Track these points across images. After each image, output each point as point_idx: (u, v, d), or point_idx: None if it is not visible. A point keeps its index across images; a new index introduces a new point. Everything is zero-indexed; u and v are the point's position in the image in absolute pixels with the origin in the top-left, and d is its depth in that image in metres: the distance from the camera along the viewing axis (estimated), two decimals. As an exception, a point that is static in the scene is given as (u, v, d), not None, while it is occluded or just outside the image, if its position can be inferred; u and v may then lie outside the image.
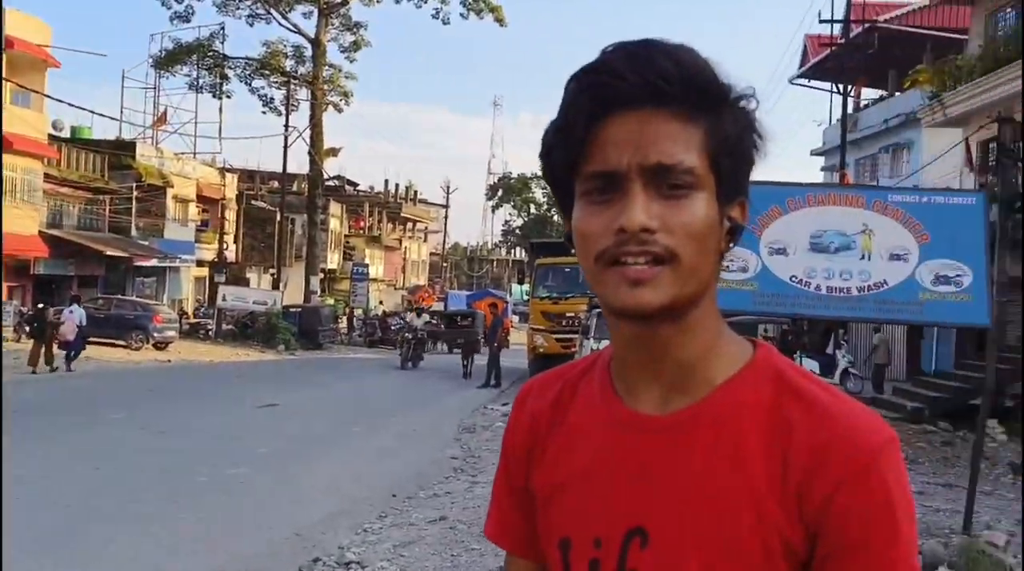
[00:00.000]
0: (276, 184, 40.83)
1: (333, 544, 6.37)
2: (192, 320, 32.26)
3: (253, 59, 37.12)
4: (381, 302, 41.52)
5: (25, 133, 25.07)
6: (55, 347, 18.09)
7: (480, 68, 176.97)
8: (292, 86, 35.89)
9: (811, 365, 19.76)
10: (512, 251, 74.09)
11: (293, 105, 35.81)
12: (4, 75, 19.67)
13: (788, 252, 7.33)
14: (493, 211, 74.10)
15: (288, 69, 36.93)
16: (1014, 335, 14.81)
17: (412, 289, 51.68)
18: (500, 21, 35.21)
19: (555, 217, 68.00)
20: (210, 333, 29.69)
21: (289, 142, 34.60)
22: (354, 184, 50.97)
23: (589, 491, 0.94)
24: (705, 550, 0.86)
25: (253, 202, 39.82)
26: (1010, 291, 13.74)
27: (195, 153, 36.84)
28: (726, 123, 0.87)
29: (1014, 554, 6.25)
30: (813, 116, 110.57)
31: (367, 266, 42.62)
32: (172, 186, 33.24)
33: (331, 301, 38.72)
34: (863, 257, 7.08)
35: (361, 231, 48.14)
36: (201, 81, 36.90)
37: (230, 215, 36.91)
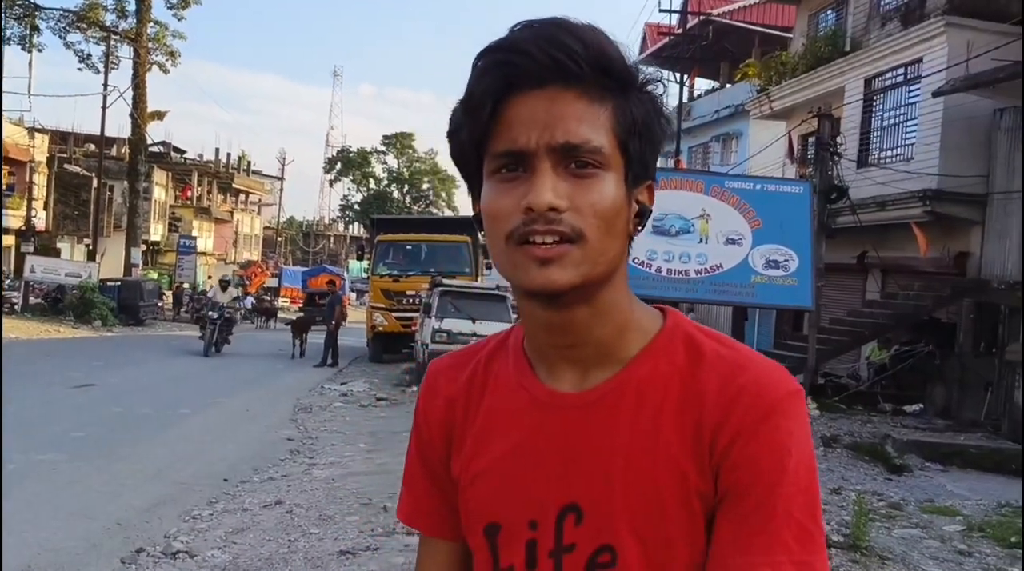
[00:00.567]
0: (93, 147, 38.02)
1: (159, 533, 5.97)
2: (-6, 292, 29.60)
3: (69, 11, 34.26)
4: (209, 277, 39.62)
5: None
6: None
7: (319, 35, 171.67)
8: (112, 42, 33.41)
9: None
10: (350, 227, 72.71)
11: (113, 63, 33.32)
12: None
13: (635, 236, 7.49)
14: (331, 185, 72.37)
15: (108, 24, 34.33)
16: (828, 317, 15.93)
17: (244, 264, 49.68)
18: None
19: (395, 193, 67.35)
20: (15, 307, 27.32)
21: (108, 102, 32.25)
22: (181, 151, 48.28)
23: (516, 474, 0.94)
24: (635, 519, 0.89)
25: (66, 166, 36.88)
26: (822, 276, 14.71)
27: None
28: (633, 105, 0.87)
29: (827, 522, 6.66)
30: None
31: (195, 239, 40.53)
32: (-29, 145, 30.25)
33: (154, 275, 36.58)
34: (701, 240, 7.36)
35: (189, 201, 45.68)
36: (8, 32, 33.70)
37: (40, 179, 34.02)
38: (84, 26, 34.33)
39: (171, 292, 35.50)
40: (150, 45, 33.95)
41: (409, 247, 20.77)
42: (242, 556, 5.56)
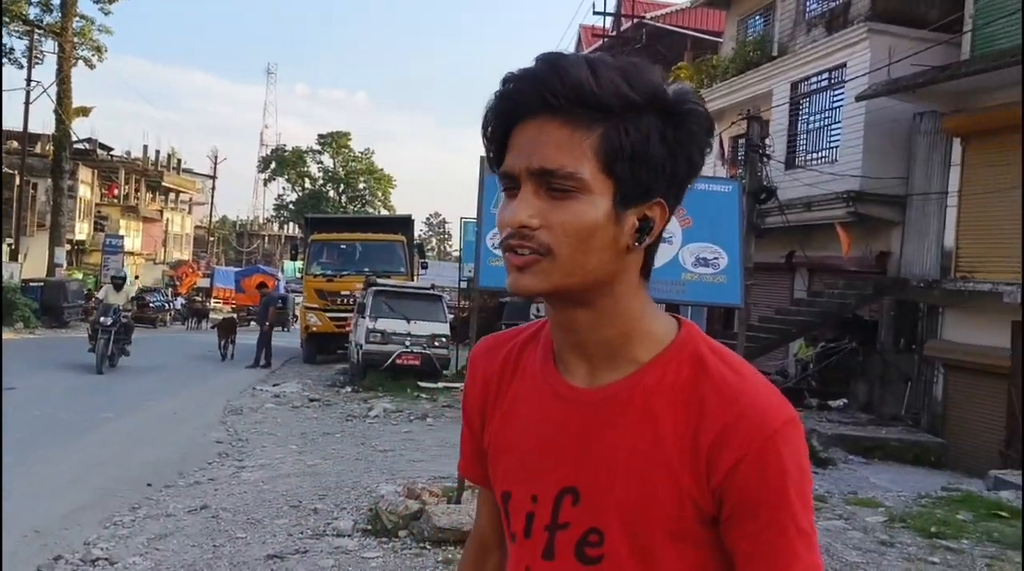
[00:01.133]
0: (16, 144, 36.69)
1: (78, 540, 5.79)
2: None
3: (-11, 3, 33.00)
4: (137, 277, 38.56)
5: None
6: None
7: (253, 32, 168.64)
8: (36, 37, 32.31)
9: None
10: (285, 226, 71.60)
11: (37, 58, 32.23)
12: None
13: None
14: (265, 184, 71.14)
15: (32, 17, 33.17)
16: (757, 315, 16.24)
17: (174, 264, 48.53)
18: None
19: (330, 192, 66.54)
20: (-69, 309, 26.19)
21: (31, 98, 31.17)
22: (108, 148, 46.90)
23: (528, 453, 1.07)
24: (626, 510, 0.99)
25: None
26: (751, 275, 14.98)
27: (-87, 104, 32.23)
28: (629, 131, 0.94)
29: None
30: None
31: (122, 238, 39.39)
32: None
33: (79, 275, 35.45)
34: (632, 239, 7.43)
35: (116, 200, 44.42)
36: (-78, 23, 32.32)
37: (-42, 177, 32.69)
38: (7, 19, 33.12)
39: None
40: (75, 40, 32.92)
41: (343, 247, 20.54)
42: (164, 563, 5.42)
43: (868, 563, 6.02)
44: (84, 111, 34.41)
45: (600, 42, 27.26)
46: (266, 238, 72.23)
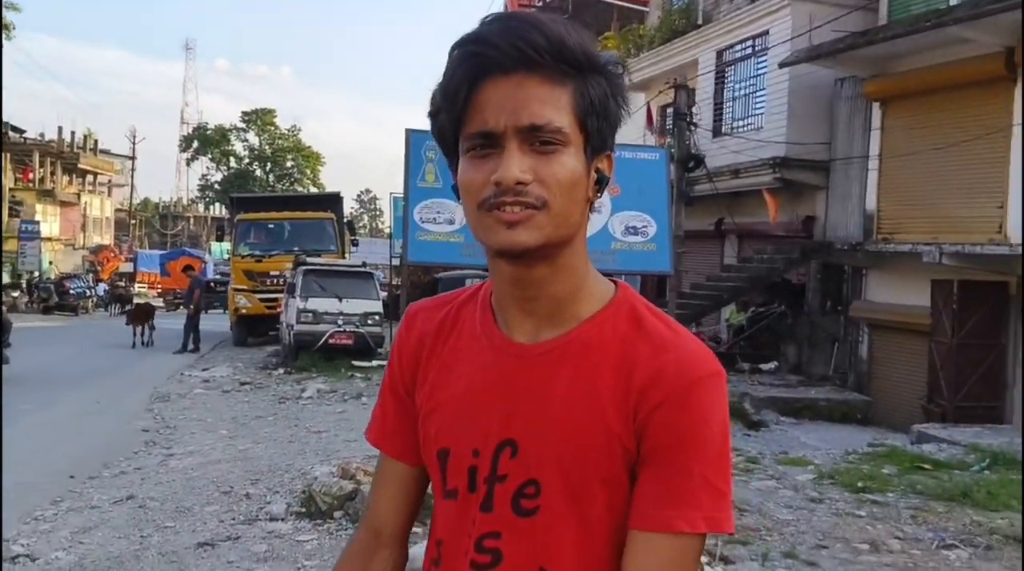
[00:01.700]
0: (-82, 128, 34.85)
1: (-5, 538, 5.53)
2: None
3: None
4: (51, 263, 37.19)
5: None
6: None
7: (167, 6, 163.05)
8: (-66, 13, 30.65)
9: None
10: (211, 207, 69.84)
11: (-64, 36, 30.64)
12: None
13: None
14: (188, 164, 69.10)
15: (-72, -8, 31.46)
16: (689, 282, 16.46)
17: (95, 249, 46.96)
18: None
19: (257, 171, 65.09)
20: None
21: (-68, 79, 29.60)
22: (20, 131, 44.96)
23: (467, 408, 1.08)
24: (562, 460, 1.02)
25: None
26: (682, 243, 15.15)
27: None
28: (591, 87, 0.99)
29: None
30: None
31: (38, 224, 37.88)
32: None
33: (-6, 263, 34.03)
34: (562, 209, 7.41)
35: (30, 184, 42.69)
36: None
37: None
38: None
39: (26, 282, 33.07)
40: (-23, 16, 31.37)
41: (271, 226, 20.10)
42: (89, 556, 5.24)
43: (799, 520, 6.15)
44: (-9, 92, 32.83)
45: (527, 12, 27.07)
46: (191, 220, 70.40)
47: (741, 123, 16.68)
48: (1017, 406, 10.91)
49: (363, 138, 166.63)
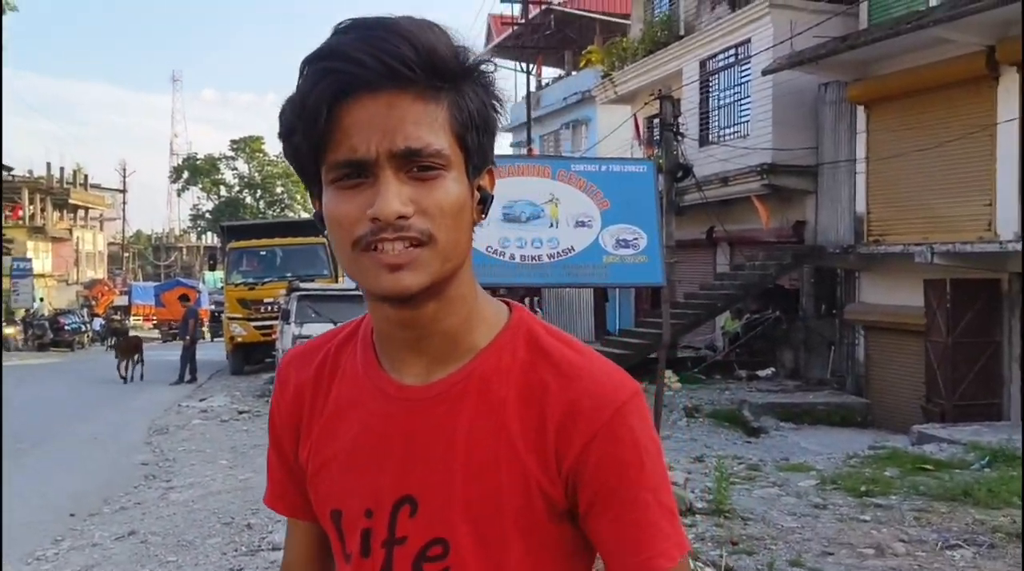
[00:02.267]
0: (-94, 170, 34.84)
1: (-5, 581, 5.50)
2: None
3: None
4: (42, 299, 37.05)
5: None
6: None
7: (152, 40, 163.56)
8: (-81, 55, 30.70)
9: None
10: (204, 237, 69.81)
11: (-78, 77, 30.66)
12: None
13: (483, 223, 7.44)
14: (179, 194, 69.19)
15: (-88, 34, 31.52)
16: (683, 292, 16.48)
17: (88, 283, 46.87)
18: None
19: (247, 199, 65.15)
20: None
21: (-81, 120, 29.62)
22: (8, 168, 44.94)
23: (357, 463, 0.96)
24: (471, 512, 0.91)
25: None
26: (674, 253, 15.19)
27: None
28: (468, 99, 0.89)
29: (692, 489, 6.86)
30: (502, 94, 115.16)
31: (30, 261, 37.83)
32: None
33: (-13, 302, 33.92)
34: (552, 225, 7.38)
35: (20, 222, 42.65)
36: None
37: None
38: None
39: (23, 320, 32.92)
40: (-39, 55, 31.43)
41: (263, 253, 20.08)
42: (92, 595, 5.20)
43: (803, 527, 6.14)
44: (-22, 131, 32.85)
45: (509, 31, 27.24)
46: (184, 250, 70.36)
47: (727, 131, 16.76)
48: (1016, 402, 10.93)
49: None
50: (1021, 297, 11.04)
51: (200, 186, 65.87)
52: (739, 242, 16.90)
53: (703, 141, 17.12)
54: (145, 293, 43.03)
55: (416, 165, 0.86)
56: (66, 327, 32.07)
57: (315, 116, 0.85)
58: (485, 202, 0.93)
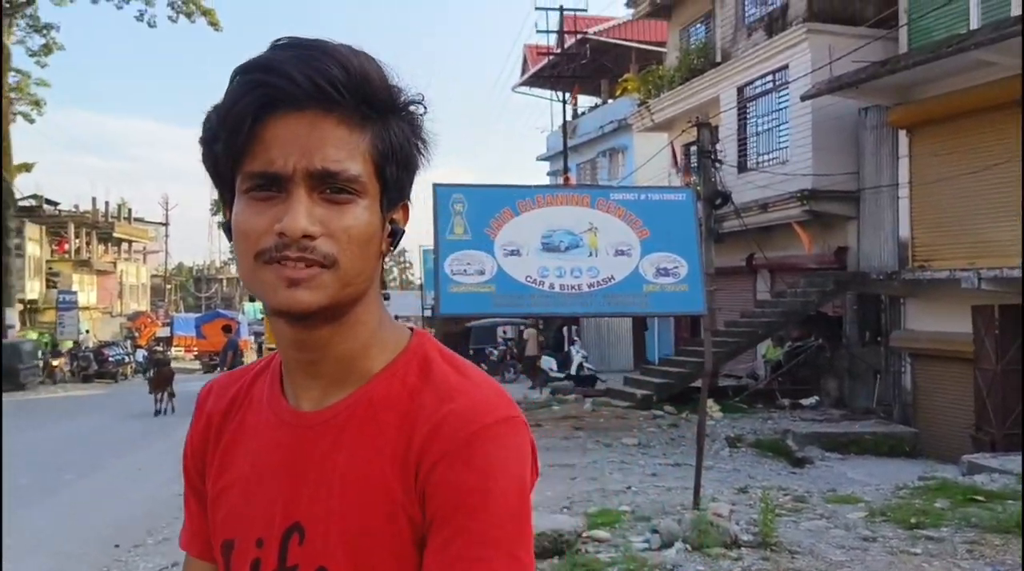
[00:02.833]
0: (-42, 206, 35.84)
1: (42, 612, 5.54)
2: None
3: (-81, 63, 32.40)
4: (88, 331, 37.76)
5: None
6: None
7: (195, 75, 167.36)
8: (-29, 94, 31.73)
9: (549, 362, 20.57)
10: (243, 268, 70.68)
11: (-27, 116, 31.67)
12: None
13: (522, 253, 7.46)
14: (220, 227, 70.28)
15: (-36, 75, 32.60)
16: (723, 320, 16.31)
17: (132, 316, 47.69)
18: (214, 25, 33.29)
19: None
20: None
21: (-30, 157, 30.56)
22: (55, 203, 46.09)
23: (251, 491, 0.95)
24: (349, 541, 0.89)
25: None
26: (714, 280, 15.05)
27: None
28: (392, 132, 0.89)
29: (736, 521, 6.73)
30: (537, 123, 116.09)
31: (75, 294, 38.62)
32: None
33: (34, 335, 34.64)
34: (591, 254, 7.37)
35: (67, 255, 43.64)
36: None
37: (-100, 243, 31.87)
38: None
39: (70, 351, 33.53)
40: (12, 95, 32.42)
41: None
42: (135, 626, 5.21)
43: (852, 560, 5.98)
44: (26, 167, 33.85)
45: (545, 60, 27.44)
46: (224, 281, 71.38)
47: (766, 157, 16.66)
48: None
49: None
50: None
51: (241, 218, 66.80)
52: (779, 269, 16.72)
53: (741, 167, 17.02)
54: (186, 324, 43.66)
55: (330, 187, 0.86)
56: (110, 358, 32.59)
57: (238, 125, 0.85)
58: (395, 235, 0.93)
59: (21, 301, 34.75)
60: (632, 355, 24.21)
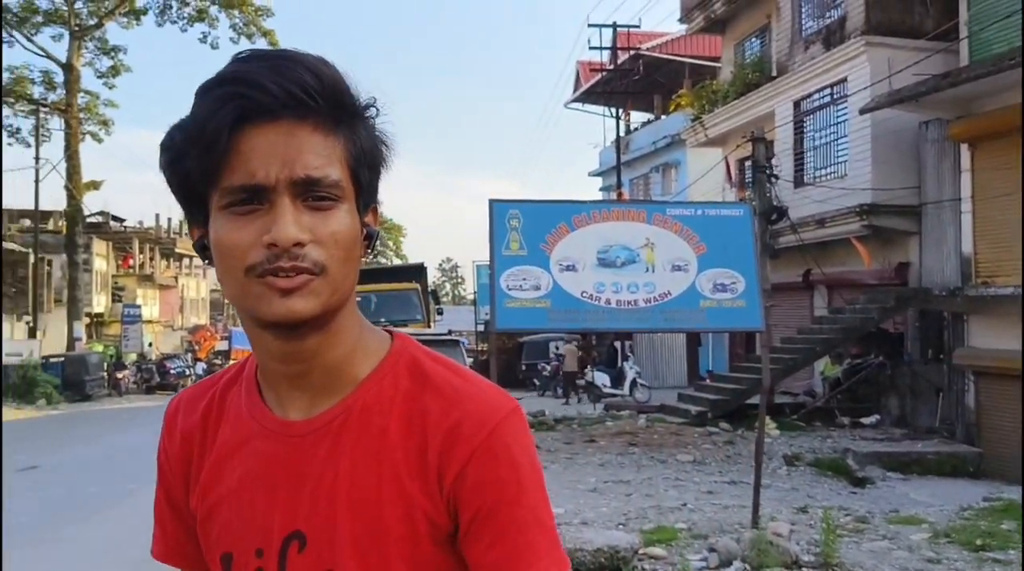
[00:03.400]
0: (28, 222, 37.17)
1: (113, 617, 5.69)
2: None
3: (-5, 86, 33.73)
4: (151, 344, 38.72)
5: None
6: None
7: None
8: (42, 115, 32.91)
9: (603, 378, 20.51)
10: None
11: (44, 135, 32.83)
12: None
13: (577, 268, 7.49)
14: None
15: (36, 96, 33.83)
16: (779, 337, 16.10)
17: (192, 329, 48.78)
18: (274, 46, 34.05)
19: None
20: (-46, 391, 26.33)
21: (41, 176, 31.67)
22: (120, 219, 47.44)
23: (245, 503, 0.96)
24: (359, 545, 0.91)
25: (2, 243, 35.96)
26: (770, 297, 14.86)
27: (-73, 190, 32.80)
28: (360, 136, 0.91)
29: (796, 541, 6.64)
30: (589, 139, 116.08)
31: (139, 307, 39.69)
32: (-99, 228, 29.38)
33: (100, 347, 35.65)
34: (647, 269, 7.37)
35: (131, 270, 44.88)
36: (-68, 111, 33.00)
37: (-25, 258, 33.10)
38: (11, 100, 33.81)
39: (135, 364, 34.46)
40: (81, 115, 33.52)
41: (358, 299, 19.88)
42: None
43: (918, 583, 5.85)
44: (95, 185, 34.93)
45: (598, 76, 27.49)
46: (281, 296, 72.61)
47: (823, 172, 16.45)
48: None
49: (442, 207, 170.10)
50: None
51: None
52: (837, 285, 16.45)
53: (798, 182, 16.83)
54: (243, 338, 44.18)
55: (312, 195, 0.87)
56: (172, 371, 33.41)
57: (214, 140, 0.84)
58: (371, 238, 0.95)
59: (88, 314, 35.81)
60: (686, 371, 24.00)
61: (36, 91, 34.09)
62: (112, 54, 34.57)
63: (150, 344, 38.39)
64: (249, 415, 0.98)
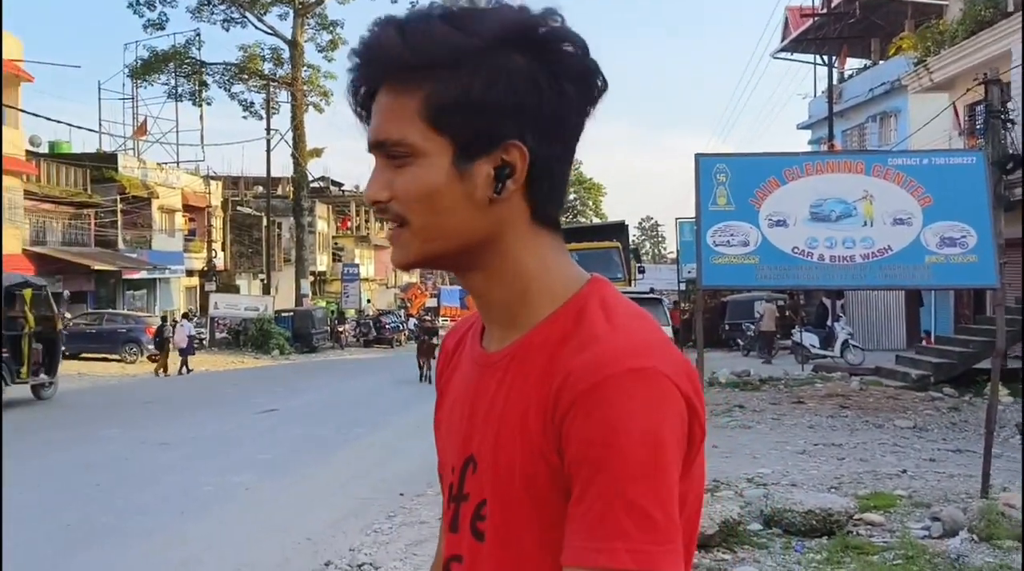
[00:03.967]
0: (261, 189, 40.51)
1: (344, 547, 6.24)
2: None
3: (231, 64, 36.81)
4: (369, 301, 41.24)
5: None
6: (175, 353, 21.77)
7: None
8: (272, 89, 35.59)
9: (811, 339, 19.71)
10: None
11: (274, 108, 35.54)
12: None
13: (788, 223, 7.20)
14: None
15: (267, 72, 36.61)
16: (1012, 296, 14.78)
17: (404, 287, 51.46)
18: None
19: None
20: (204, 342, 29.42)
21: (272, 146, 34.36)
22: (339, 184, 50.68)
23: (451, 424, 1.04)
24: (496, 475, 0.93)
25: (239, 208, 39.50)
26: (1004, 252, 13.64)
27: (178, 162, 36.51)
28: (451, 84, 0.89)
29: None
30: (797, 90, 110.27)
31: (357, 266, 42.38)
32: (157, 197, 32.91)
33: (323, 304, 38.49)
34: (865, 224, 6.97)
35: (349, 231, 47.89)
36: (180, 89, 36.56)
37: (217, 223, 36.58)
38: (245, 77, 36.81)
39: (355, 319, 37.04)
40: (305, 88, 35.93)
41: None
42: (422, 567, 5.71)
43: None
44: (317, 152, 37.54)
45: (809, 22, 26.00)
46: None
47: (1071, 115, 14.76)
48: None
49: (642, 165, 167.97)
50: None
51: (500, 195, 69.70)
52: (1085, 239, 14.80)
53: (1038, 127, 15.21)
54: (451, 295, 46.35)
55: (387, 154, 0.92)
56: (387, 325, 35.54)
57: (355, 113, 0.97)
58: (501, 178, 0.91)
59: (312, 273, 38.70)
60: (904, 333, 22.55)
61: (266, 67, 36.88)
62: (331, 29, 36.73)
63: (368, 301, 40.92)
64: (470, 344, 1.06)
